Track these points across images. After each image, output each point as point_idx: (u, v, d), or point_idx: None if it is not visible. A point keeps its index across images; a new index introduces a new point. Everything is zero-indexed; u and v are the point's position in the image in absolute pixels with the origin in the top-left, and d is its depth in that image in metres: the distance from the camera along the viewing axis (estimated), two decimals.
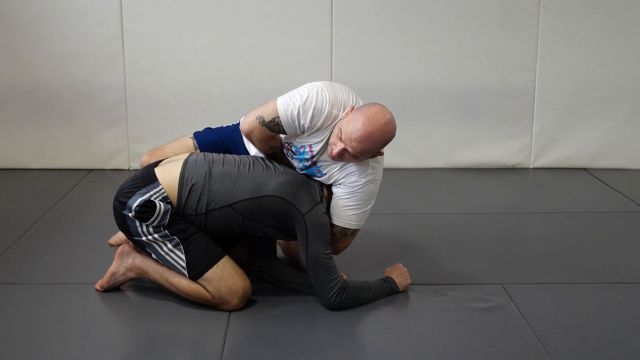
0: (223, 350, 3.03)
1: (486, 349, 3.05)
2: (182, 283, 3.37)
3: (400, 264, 3.63)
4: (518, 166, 5.74)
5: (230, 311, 3.34)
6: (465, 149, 5.68)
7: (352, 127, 3.17)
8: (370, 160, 3.36)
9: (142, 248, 3.40)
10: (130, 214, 3.30)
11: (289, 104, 3.28)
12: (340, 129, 3.21)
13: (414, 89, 5.54)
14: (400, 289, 3.53)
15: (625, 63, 5.55)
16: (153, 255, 3.39)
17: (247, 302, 3.38)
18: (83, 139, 5.56)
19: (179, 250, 3.32)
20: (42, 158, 5.59)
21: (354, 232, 3.46)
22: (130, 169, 5.62)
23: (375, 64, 5.49)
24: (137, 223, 3.31)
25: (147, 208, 3.27)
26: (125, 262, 3.48)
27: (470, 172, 5.64)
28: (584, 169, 5.70)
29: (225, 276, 3.32)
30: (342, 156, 3.24)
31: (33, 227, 4.36)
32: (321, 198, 3.37)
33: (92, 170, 5.58)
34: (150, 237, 3.32)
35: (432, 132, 5.63)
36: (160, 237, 3.31)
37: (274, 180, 3.32)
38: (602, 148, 5.69)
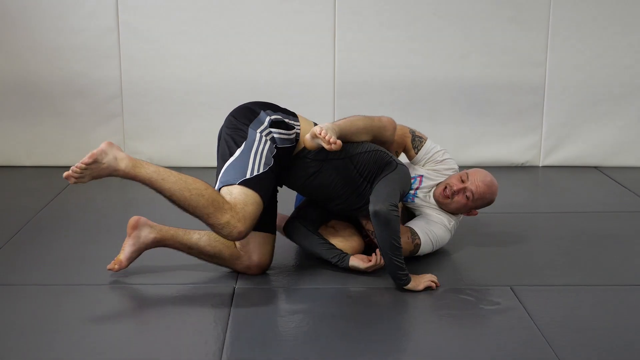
0: (222, 352, 2.98)
1: (494, 353, 3.03)
2: (198, 184, 3.30)
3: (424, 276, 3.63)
4: (527, 164, 5.70)
5: (229, 238, 3.34)
6: (473, 146, 5.64)
7: (478, 175, 3.82)
8: (453, 216, 3.89)
9: (237, 143, 3.49)
10: (269, 116, 3.54)
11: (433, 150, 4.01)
12: (467, 173, 3.83)
13: (419, 84, 5.51)
14: (408, 286, 3.51)
15: None
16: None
17: (248, 301, 3.36)
18: (77, 134, 5.52)
19: (263, 160, 3.44)
20: (34, 155, 5.55)
21: (415, 242, 3.78)
22: None
23: (380, 58, 5.45)
24: (268, 121, 3.52)
25: (282, 125, 3.55)
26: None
27: None
28: (596, 167, 5.67)
29: (249, 206, 3.33)
30: (455, 195, 3.79)
31: (25, 227, 4.32)
32: None
33: None
34: (266, 130, 3.51)
35: (438, 129, 5.56)
36: (275, 133, 3.50)
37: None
38: (615, 146, 5.65)
